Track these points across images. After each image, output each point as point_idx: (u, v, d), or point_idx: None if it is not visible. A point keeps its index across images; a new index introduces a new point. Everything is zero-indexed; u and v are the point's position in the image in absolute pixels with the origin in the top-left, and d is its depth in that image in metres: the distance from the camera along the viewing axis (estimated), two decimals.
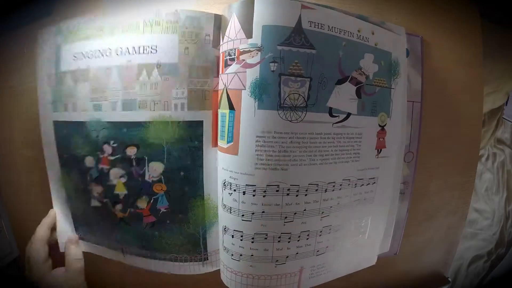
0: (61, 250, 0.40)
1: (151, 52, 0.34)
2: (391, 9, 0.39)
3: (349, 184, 0.36)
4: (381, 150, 0.37)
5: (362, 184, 0.37)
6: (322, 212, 0.35)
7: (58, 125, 0.38)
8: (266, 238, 0.33)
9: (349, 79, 0.33)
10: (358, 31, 0.34)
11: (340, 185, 0.35)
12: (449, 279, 0.50)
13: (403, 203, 0.42)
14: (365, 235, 0.39)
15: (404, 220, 0.42)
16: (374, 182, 0.38)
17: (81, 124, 0.36)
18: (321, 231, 0.36)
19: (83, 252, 0.39)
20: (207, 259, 0.38)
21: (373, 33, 0.35)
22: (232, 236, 0.34)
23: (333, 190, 0.35)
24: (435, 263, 0.49)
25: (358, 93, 0.34)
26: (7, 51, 0.43)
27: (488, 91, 0.60)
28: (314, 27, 0.31)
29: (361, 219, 0.38)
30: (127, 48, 0.34)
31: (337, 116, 0.33)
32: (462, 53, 0.42)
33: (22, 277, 0.41)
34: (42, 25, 0.40)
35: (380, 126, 0.36)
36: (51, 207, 0.43)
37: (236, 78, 0.31)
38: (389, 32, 0.36)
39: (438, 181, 0.44)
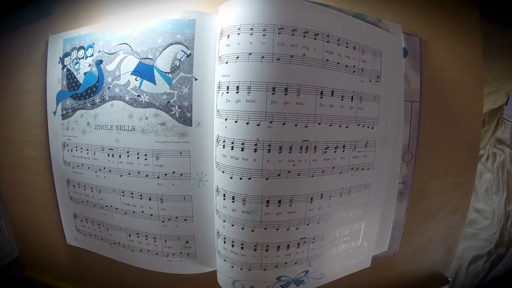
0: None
1: None
2: (390, 8, 0.39)
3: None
4: None
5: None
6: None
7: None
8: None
9: None
10: None
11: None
12: (449, 279, 0.50)
13: (402, 203, 0.42)
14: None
15: (403, 220, 0.42)
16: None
17: None
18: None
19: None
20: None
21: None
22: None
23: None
24: (435, 263, 0.49)
25: None
26: (7, 51, 0.43)
27: (488, 91, 0.60)
28: None
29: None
30: None
31: None
32: (462, 53, 0.42)
33: (22, 277, 0.41)
34: (42, 25, 0.40)
35: None
36: (51, 207, 0.43)
37: None
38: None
39: (438, 181, 0.44)
